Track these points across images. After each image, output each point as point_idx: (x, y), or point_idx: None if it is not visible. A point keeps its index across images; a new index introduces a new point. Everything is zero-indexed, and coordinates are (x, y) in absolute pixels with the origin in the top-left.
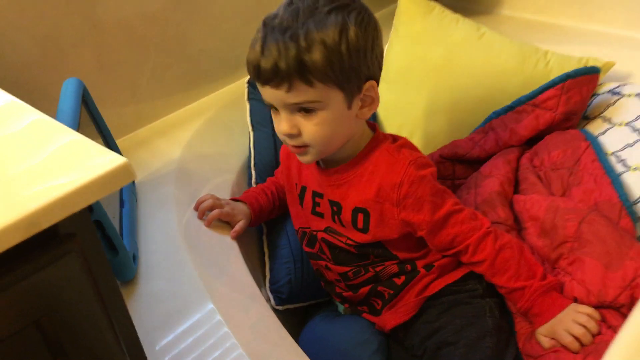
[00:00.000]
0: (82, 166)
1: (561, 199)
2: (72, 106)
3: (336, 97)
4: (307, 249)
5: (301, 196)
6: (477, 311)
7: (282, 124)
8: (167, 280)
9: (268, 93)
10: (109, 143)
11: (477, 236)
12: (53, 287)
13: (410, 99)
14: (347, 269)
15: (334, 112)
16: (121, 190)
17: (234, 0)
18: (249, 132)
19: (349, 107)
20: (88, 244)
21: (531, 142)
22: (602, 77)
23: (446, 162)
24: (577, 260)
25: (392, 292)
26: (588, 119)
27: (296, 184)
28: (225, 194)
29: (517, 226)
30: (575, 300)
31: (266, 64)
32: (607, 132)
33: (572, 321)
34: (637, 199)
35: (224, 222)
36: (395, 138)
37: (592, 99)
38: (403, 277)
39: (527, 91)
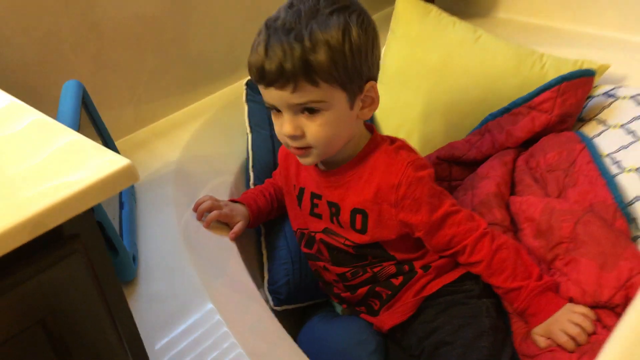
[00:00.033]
0: (87, 167)
1: (557, 201)
2: (73, 108)
3: (339, 98)
4: (305, 250)
5: (299, 197)
6: (474, 311)
7: (285, 126)
8: (167, 281)
9: (272, 94)
10: (108, 144)
11: (474, 237)
12: (58, 286)
13: (408, 100)
14: (345, 269)
15: (337, 112)
16: (121, 191)
17: (231, 3)
18: (247, 134)
19: (351, 107)
20: (92, 244)
21: (527, 143)
22: (597, 80)
23: (443, 164)
24: (572, 260)
25: (389, 292)
26: (583, 121)
27: (294, 186)
28: (223, 196)
29: (513, 227)
30: (571, 300)
31: (271, 65)
32: (602, 134)
33: (567, 321)
34: (631, 200)
35: (223, 224)
36: (393, 140)
37: (588, 101)
38: (401, 278)
39: (523, 93)
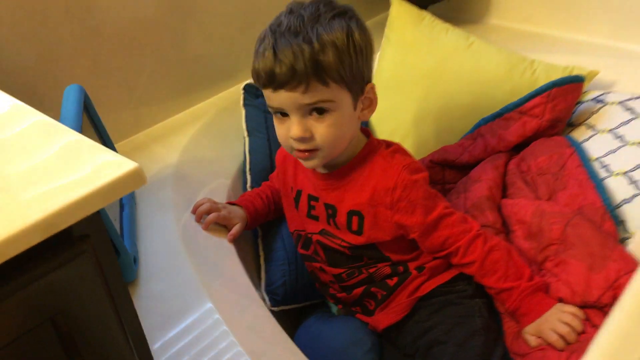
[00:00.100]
0: (96, 170)
1: (547, 203)
2: (75, 112)
3: (345, 98)
4: (302, 252)
5: (297, 199)
6: (467, 311)
7: (294, 128)
8: (167, 281)
9: (282, 97)
10: (109, 147)
11: (467, 238)
12: (67, 285)
13: (402, 105)
14: (341, 270)
15: (343, 113)
16: None
17: (229, 8)
18: (244, 138)
19: (355, 108)
20: (100, 245)
21: (518, 148)
22: (586, 86)
23: (436, 167)
24: (562, 262)
25: (384, 293)
26: (573, 125)
27: (292, 188)
28: (221, 198)
29: (505, 229)
30: (561, 300)
31: (282, 67)
32: (591, 138)
33: (557, 320)
34: (619, 203)
35: (221, 226)
36: (388, 144)
37: (577, 106)
38: (395, 279)
39: (514, 99)
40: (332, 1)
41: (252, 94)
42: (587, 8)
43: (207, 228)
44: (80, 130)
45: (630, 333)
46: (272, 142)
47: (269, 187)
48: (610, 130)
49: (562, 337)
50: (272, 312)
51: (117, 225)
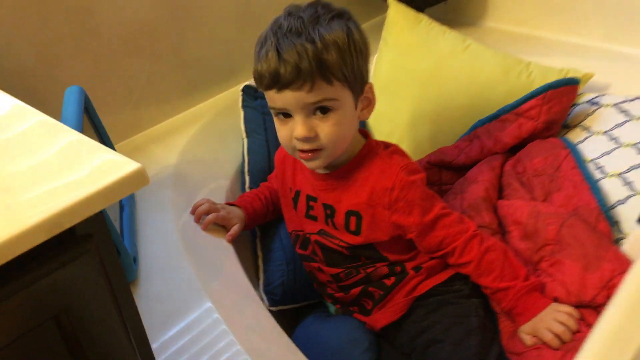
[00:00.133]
0: (100, 170)
1: (543, 204)
2: (76, 113)
3: (347, 97)
4: (300, 252)
5: (295, 200)
6: (463, 311)
7: (298, 128)
8: (166, 281)
9: (286, 97)
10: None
11: (464, 239)
12: (71, 284)
13: (399, 107)
14: (339, 270)
15: (345, 111)
16: None
17: (227, 11)
18: (243, 139)
19: (356, 107)
20: (103, 244)
21: (514, 149)
22: (581, 88)
23: (433, 168)
24: (557, 262)
25: (382, 292)
26: (568, 127)
27: (290, 188)
28: (220, 199)
29: (501, 230)
30: (556, 300)
31: (286, 67)
32: (586, 140)
33: (552, 320)
34: (614, 204)
35: (220, 226)
36: (386, 145)
37: (572, 108)
38: (393, 278)
39: (510, 101)
40: (328, 4)
41: (250, 96)
42: (583, 11)
43: (206, 228)
44: (82, 131)
45: (623, 331)
46: (270, 144)
47: (267, 187)
48: (605, 132)
49: (557, 336)
50: (270, 312)
51: (117, 226)
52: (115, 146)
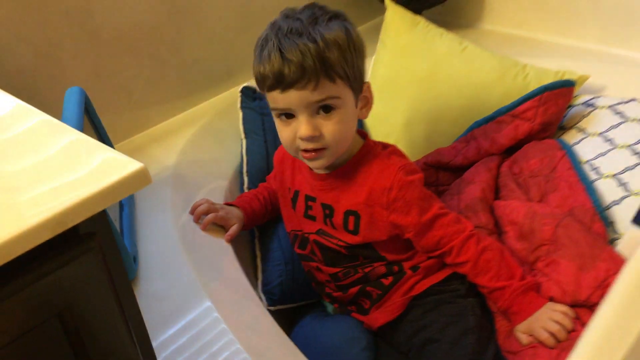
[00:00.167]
0: (102, 170)
1: (538, 205)
2: (77, 114)
3: (348, 95)
4: (298, 251)
5: (294, 200)
6: (460, 310)
7: (303, 128)
8: (166, 280)
9: (291, 97)
10: None
11: (461, 238)
12: (74, 282)
13: (396, 108)
14: (337, 270)
15: (347, 110)
16: None
17: (225, 13)
18: (242, 140)
19: (356, 105)
20: (105, 242)
21: (511, 150)
22: (577, 90)
23: (430, 169)
24: (553, 262)
25: (380, 292)
26: (564, 129)
27: (289, 189)
28: (218, 199)
29: (497, 230)
30: (552, 299)
31: (290, 67)
32: (582, 141)
33: (548, 319)
34: (608, 205)
35: (219, 226)
36: (385, 145)
37: (568, 110)
38: (390, 278)
39: (507, 102)
40: (324, 6)
41: (249, 97)
42: (578, 14)
43: (205, 228)
44: (82, 131)
45: (616, 329)
46: (268, 144)
47: (265, 188)
48: (600, 133)
49: (552, 335)
50: (269, 311)
51: (117, 225)
52: (115, 146)
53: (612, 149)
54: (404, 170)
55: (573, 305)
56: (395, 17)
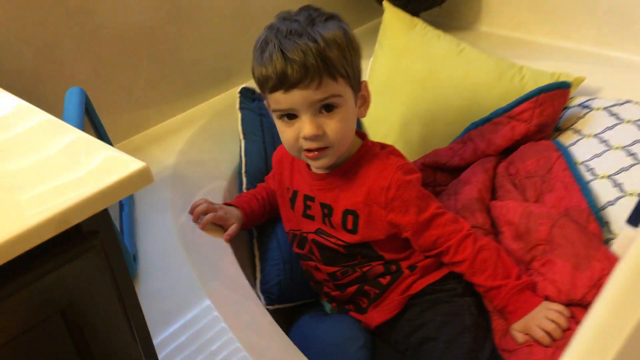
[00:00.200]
0: (105, 169)
1: (534, 205)
2: (77, 114)
3: (349, 93)
4: (297, 251)
5: (293, 200)
6: (457, 309)
7: (306, 127)
8: (165, 279)
9: (294, 97)
10: None
11: (458, 238)
12: (77, 279)
13: (394, 109)
14: (336, 269)
15: (348, 108)
16: None
17: (225, 14)
18: (240, 140)
19: (355, 103)
20: (108, 240)
21: (507, 151)
22: (573, 92)
23: (428, 170)
24: (548, 261)
25: (377, 291)
26: (560, 130)
27: (288, 189)
28: (217, 199)
29: (494, 230)
30: (547, 298)
31: (293, 66)
32: (577, 143)
33: (543, 317)
34: (604, 205)
35: (218, 226)
36: (383, 145)
37: (564, 111)
38: (388, 277)
39: (503, 104)
40: (319, 8)
41: (248, 98)
42: (575, 16)
43: (204, 228)
44: (83, 131)
45: (609, 326)
46: (267, 145)
47: (264, 188)
48: (595, 134)
49: (548, 333)
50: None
51: (117, 225)
52: (115, 146)
53: (608, 150)
54: (402, 170)
55: (568, 304)
56: (393, 19)
